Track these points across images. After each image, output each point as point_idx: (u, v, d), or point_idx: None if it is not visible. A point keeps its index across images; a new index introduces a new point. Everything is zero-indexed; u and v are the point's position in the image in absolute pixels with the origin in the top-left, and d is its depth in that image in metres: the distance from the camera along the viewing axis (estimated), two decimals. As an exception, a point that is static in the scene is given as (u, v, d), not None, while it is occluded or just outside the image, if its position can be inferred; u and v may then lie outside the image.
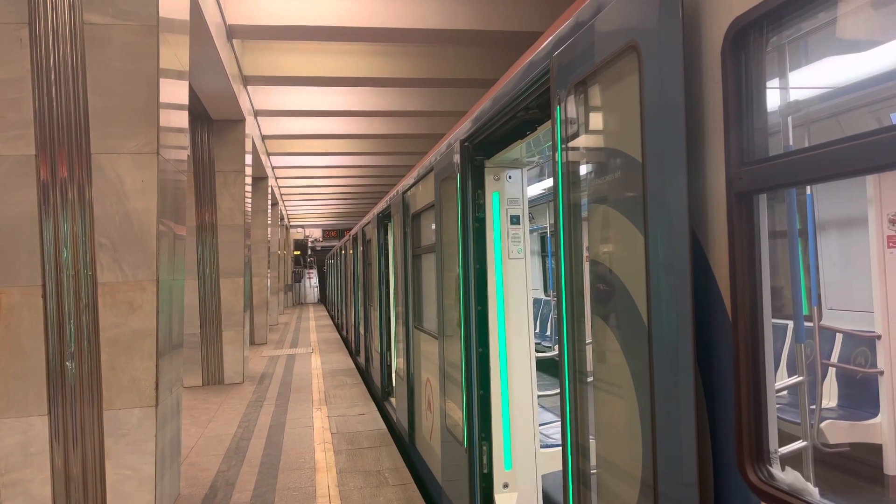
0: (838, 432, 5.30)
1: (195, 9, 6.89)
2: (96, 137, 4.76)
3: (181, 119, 5.69)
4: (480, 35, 9.46)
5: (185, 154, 5.84)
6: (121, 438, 4.83)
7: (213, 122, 11.72)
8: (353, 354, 15.44)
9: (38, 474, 4.71)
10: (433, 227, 5.30)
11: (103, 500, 4.80)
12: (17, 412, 4.69)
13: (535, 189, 8.97)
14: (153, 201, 4.86)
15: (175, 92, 5.39)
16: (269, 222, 20.43)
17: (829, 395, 5.94)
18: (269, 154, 18.48)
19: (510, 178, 4.35)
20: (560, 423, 2.49)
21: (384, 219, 9.23)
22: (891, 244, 4.92)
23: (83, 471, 4.77)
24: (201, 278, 11.42)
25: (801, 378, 3.26)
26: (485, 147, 4.16)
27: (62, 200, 4.71)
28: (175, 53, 5.33)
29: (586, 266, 2.35)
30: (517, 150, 3.95)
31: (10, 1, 4.60)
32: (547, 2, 9.29)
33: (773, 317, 1.66)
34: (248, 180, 12.53)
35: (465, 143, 4.22)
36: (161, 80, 4.88)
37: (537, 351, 4.52)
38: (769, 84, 1.64)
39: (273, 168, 21.11)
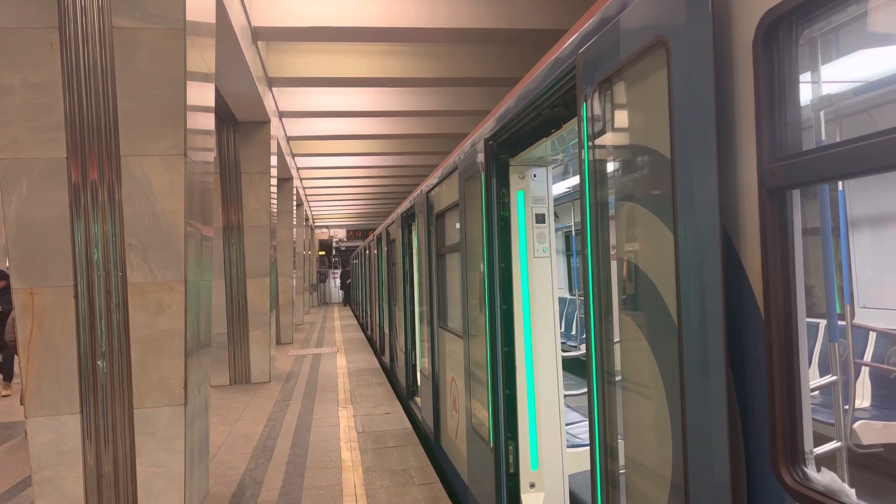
0: (871, 433, 5.20)
1: (221, 12, 6.96)
2: (125, 140, 4.83)
3: (207, 121, 5.75)
4: (504, 33, 9.43)
5: (211, 156, 5.90)
6: (151, 437, 4.90)
7: (239, 123, 11.83)
8: (378, 354, 15.50)
9: (70, 472, 4.80)
10: (457, 226, 5.29)
11: (134, 497, 4.87)
12: (49, 410, 4.78)
13: (560, 187, 8.92)
14: (181, 202, 4.91)
15: (201, 94, 5.45)
16: (295, 223, 20.57)
17: (863, 395, 5.82)
18: (293, 155, 18.61)
19: (535, 176, 4.32)
20: (587, 422, 2.47)
21: (408, 218, 9.24)
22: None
23: (114, 468, 4.84)
24: (228, 278, 11.55)
25: (834, 377, 3.19)
26: (509, 145, 4.14)
27: (93, 202, 4.78)
28: (201, 56, 5.39)
29: (614, 264, 2.32)
30: (542, 148, 3.92)
31: (40, 6, 4.69)
32: (571, -1, 9.24)
33: (807, 315, 1.62)
34: (274, 181, 12.63)
35: (490, 142, 4.20)
36: (188, 82, 4.94)
37: (563, 350, 4.48)
38: (802, 78, 1.61)
39: (298, 169, 21.27)
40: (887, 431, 5.19)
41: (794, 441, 1.56)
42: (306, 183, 25.40)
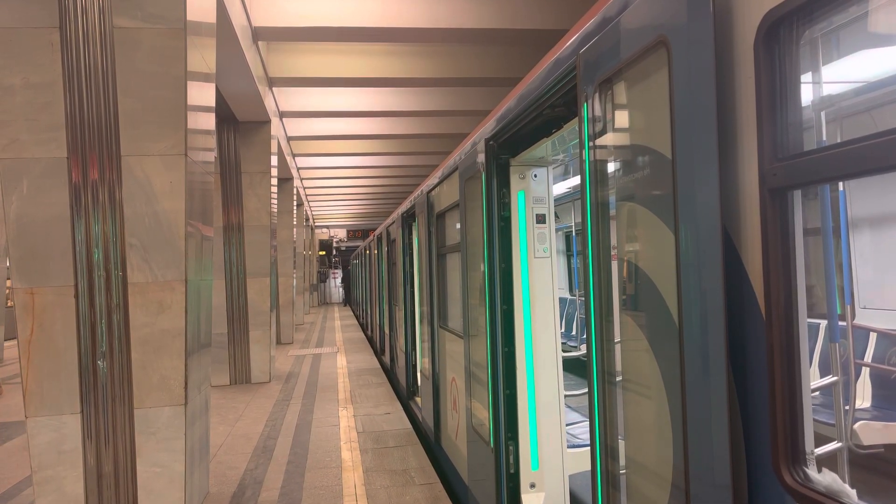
0: (872, 433, 5.20)
1: (221, 12, 6.96)
2: (125, 139, 4.83)
3: (208, 121, 5.75)
4: (504, 33, 9.43)
5: (212, 156, 5.90)
6: (151, 436, 4.90)
7: (240, 123, 11.83)
8: (379, 354, 15.49)
9: (70, 472, 4.80)
10: (458, 226, 5.29)
11: (134, 497, 4.87)
12: (50, 410, 4.78)
13: (560, 188, 8.92)
14: (181, 202, 4.91)
15: (202, 94, 5.45)
16: (295, 223, 20.57)
17: (863, 396, 5.82)
18: (294, 155, 18.61)
19: (535, 176, 4.32)
20: (588, 422, 2.47)
21: (408, 219, 9.24)
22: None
23: (115, 468, 4.84)
24: (228, 278, 11.55)
25: (834, 378, 3.19)
26: (510, 145, 4.14)
27: (93, 202, 4.78)
28: (202, 56, 5.39)
29: (614, 265, 2.32)
30: (542, 148, 3.92)
31: (41, 6, 4.69)
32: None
33: (807, 315, 1.62)
34: (274, 181, 12.63)
35: (490, 142, 4.20)
36: (188, 82, 4.94)
37: (563, 350, 4.48)
38: (803, 78, 1.61)
39: (298, 169, 21.27)
40: (888, 432, 5.19)
41: (794, 441, 1.56)
42: (306, 183, 25.40)
